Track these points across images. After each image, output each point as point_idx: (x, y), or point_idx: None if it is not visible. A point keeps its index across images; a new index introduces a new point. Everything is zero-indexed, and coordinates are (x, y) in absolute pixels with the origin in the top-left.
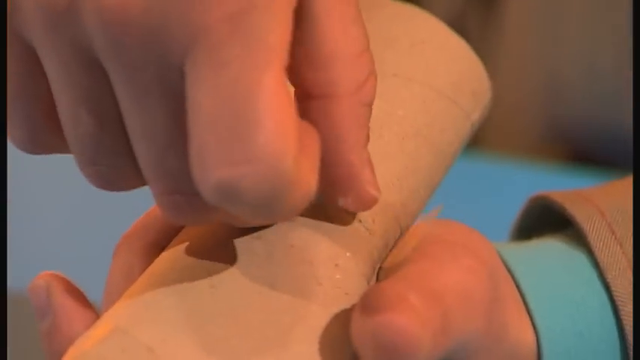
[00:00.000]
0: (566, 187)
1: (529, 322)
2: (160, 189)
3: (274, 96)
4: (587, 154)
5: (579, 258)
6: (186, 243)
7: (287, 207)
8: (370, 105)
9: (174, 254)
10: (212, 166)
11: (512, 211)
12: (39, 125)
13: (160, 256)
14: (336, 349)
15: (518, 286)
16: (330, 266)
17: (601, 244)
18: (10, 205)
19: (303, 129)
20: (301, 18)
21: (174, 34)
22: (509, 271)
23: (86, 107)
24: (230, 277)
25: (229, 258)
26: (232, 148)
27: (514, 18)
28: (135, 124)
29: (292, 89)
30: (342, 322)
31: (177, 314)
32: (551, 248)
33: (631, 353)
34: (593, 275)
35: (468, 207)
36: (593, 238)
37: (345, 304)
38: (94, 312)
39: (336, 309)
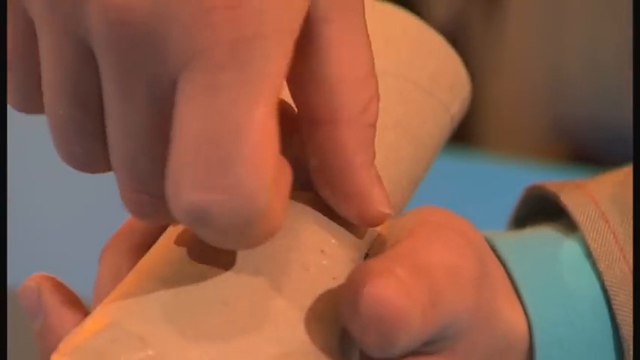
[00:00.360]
0: None
1: (521, 309)
2: (126, 185)
3: (261, 131)
4: (589, 153)
5: (572, 247)
6: (172, 238)
7: (252, 238)
8: (374, 125)
9: (161, 250)
10: (188, 187)
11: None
12: (34, 89)
13: (147, 253)
14: (325, 330)
15: (509, 274)
16: (317, 252)
17: (594, 233)
18: (10, 205)
19: (278, 162)
20: (310, 42)
21: (175, 46)
22: (500, 259)
23: (70, 90)
24: (217, 266)
25: (216, 249)
26: (211, 174)
27: (516, 15)
28: (115, 119)
29: (295, 111)
30: (330, 303)
31: (167, 305)
32: (543, 237)
33: (624, 344)
34: (585, 264)
35: (469, 207)
36: (586, 227)
37: (332, 288)
38: (85, 311)
39: (324, 292)
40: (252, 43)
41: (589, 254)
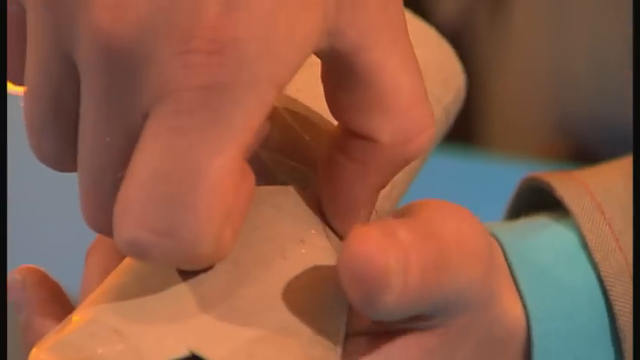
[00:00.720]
0: None
1: (518, 298)
2: (87, 198)
3: (217, 182)
4: (592, 151)
5: (568, 238)
6: None
7: (198, 267)
8: (411, 161)
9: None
10: (132, 223)
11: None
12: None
13: None
14: (303, 315)
15: (507, 263)
16: (295, 241)
17: (590, 224)
18: (10, 205)
19: (239, 194)
20: (352, 67)
21: (150, 80)
22: (500, 247)
23: (50, 94)
24: None
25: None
26: (157, 215)
27: (522, 14)
28: (88, 133)
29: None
30: (308, 290)
31: (144, 298)
32: (540, 227)
33: (621, 334)
34: (582, 255)
35: (473, 206)
36: (582, 218)
37: (311, 275)
38: (70, 306)
39: (301, 279)
40: (224, 91)
41: (585, 245)
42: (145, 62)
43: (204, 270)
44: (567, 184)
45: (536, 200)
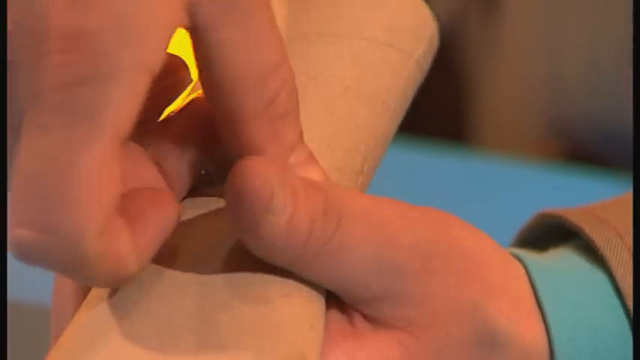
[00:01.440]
0: (566, 186)
1: (539, 322)
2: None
3: (90, 174)
4: (588, 152)
5: (601, 282)
6: None
7: (96, 278)
8: (285, 115)
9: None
10: (14, 222)
11: (514, 211)
12: None
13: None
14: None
15: (537, 296)
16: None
17: (622, 269)
18: (10, 204)
19: (146, 200)
20: (203, 50)
21: (22, 82)
22: (529, 276)
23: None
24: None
25: (157, 271)
26: (35, 212)
27: (515, 16)
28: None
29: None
30: (254, 280)
31: (112, 335)
32: (572, 267)
33: None
34: (613, 300)
35: (469, 207)
36: (614, 263)
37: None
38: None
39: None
40: (87, 85)
41: (617, 289)
42: (16, 68)
43: (171, 295)
44: (596, 226)
45: (549, 229)
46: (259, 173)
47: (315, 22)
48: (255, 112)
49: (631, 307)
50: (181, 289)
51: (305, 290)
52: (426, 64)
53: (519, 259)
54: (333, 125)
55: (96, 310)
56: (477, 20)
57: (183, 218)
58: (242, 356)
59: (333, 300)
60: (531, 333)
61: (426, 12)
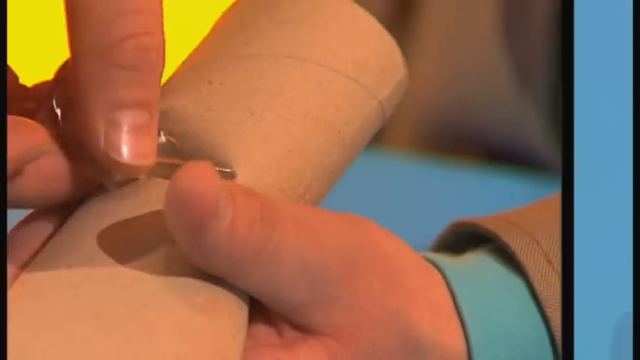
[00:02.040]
0: (481, 185)
1: (459, 330)
2: None
3: None
4: (499, 154)
5: (517, 287)
6: (46, 249)
7: None
8: (126, 68)
9: (36, 264)
10: None
11: (430, 214)
12: None
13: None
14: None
15: (455, 302)
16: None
17: (539, 275)
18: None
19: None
20: None
21: None
22: (447, 283)
23: None
24: (91, 274)
25: (88, 259)
26: None
27: (431, 19)
28: None
29: None
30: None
31: (43, 320)
32: (488, 271)
33: None
34: (531, 306)
35: (386, 210)
36: (531, 269)
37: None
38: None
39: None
40: None
41: (534, 295)
42: None
43: (101, 282)
44: (511, 232)
45: (462, 236)
46: (204, 178)
47: (286, 44)
48: (89, 50)
49: (549, 313)
50: (112, 277)
51: (232, 299)
52: (390, 108)
53: (435, 264)
54: (285, 145)
55: (19, 289)
56: (395, 29)
57: (118, 208)
58: (160, 356)
59: (258, 312)
60: (452, 339)
61: (398, 57)
